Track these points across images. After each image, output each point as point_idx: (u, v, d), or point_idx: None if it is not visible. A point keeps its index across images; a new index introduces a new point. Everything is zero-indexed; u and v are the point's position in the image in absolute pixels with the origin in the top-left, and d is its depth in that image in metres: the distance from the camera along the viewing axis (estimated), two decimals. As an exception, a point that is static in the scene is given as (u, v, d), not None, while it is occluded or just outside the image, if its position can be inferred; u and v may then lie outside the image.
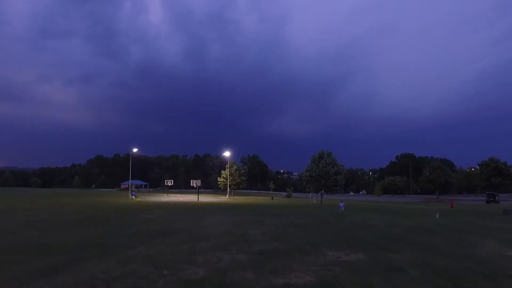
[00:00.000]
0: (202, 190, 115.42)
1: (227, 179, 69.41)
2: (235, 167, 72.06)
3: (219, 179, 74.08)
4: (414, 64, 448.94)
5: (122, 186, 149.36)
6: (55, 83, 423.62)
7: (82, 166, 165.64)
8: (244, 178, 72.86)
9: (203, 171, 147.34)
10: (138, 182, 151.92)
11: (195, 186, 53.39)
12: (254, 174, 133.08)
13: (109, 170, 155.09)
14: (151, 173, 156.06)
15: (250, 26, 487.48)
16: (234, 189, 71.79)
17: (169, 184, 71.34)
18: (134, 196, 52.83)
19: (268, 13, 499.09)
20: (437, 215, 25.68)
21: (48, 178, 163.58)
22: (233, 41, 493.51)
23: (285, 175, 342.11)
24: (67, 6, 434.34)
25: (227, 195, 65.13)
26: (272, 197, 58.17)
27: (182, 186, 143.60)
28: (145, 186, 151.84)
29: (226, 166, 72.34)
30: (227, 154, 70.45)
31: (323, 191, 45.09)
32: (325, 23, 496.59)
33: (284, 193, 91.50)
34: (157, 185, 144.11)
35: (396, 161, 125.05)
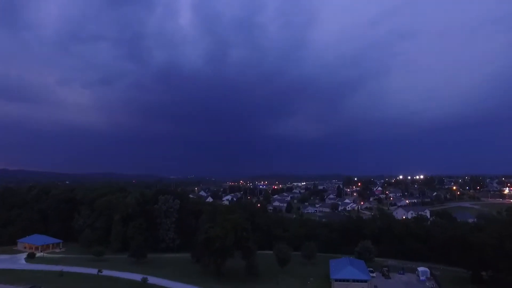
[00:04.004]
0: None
1: None
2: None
3: None
4: (430, 66, 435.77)
5: (20, 246, 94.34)
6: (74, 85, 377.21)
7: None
8: None
9: (150, 220, 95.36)
10: (46, 239, 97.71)
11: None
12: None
13: None
14: (77, 220, 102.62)
15: (275, 31, 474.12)
16: None
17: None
18: None
19: (293, 18, 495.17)
20: None
21: None
22: (256, 45, 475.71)
23: (285, 193, 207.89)
24: (100, 11, 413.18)
25: None
26: None
27: (115, 248, 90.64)
28: (56, 246, 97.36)
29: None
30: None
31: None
32: (347, 27, 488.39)
33: None
34: (84, 241, 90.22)
35: None
